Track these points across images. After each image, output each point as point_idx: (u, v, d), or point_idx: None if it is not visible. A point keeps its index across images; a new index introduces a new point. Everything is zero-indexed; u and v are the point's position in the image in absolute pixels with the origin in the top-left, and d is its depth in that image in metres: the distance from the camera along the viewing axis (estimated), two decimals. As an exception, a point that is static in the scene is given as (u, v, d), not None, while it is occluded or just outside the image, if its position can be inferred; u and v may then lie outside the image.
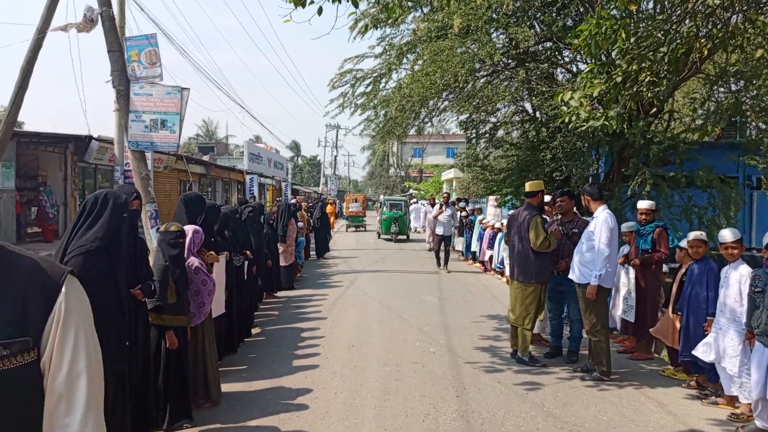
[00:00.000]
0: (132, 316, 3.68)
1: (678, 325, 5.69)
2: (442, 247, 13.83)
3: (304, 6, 4.25)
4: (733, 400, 4.91)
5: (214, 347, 5.10)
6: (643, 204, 6.66)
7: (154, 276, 4.04)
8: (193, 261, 4.68)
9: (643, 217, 6.53)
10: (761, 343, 4.27)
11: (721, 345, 4.83)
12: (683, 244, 5.91)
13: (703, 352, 4.97)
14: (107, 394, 3.15)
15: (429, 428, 4.49)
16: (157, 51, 9.32)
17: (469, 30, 8.57)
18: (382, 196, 33.37)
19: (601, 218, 5.67)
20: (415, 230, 25.38)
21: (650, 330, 6.23)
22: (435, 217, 13.99)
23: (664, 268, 6.60)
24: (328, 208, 21.15)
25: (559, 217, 6.71)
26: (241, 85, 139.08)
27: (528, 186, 6.57)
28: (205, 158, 31.34)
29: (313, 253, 16.64)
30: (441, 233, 13.76)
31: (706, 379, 5.30)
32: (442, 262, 13.83)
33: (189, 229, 4.74)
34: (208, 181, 26.62)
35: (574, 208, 6.71)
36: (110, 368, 2.97)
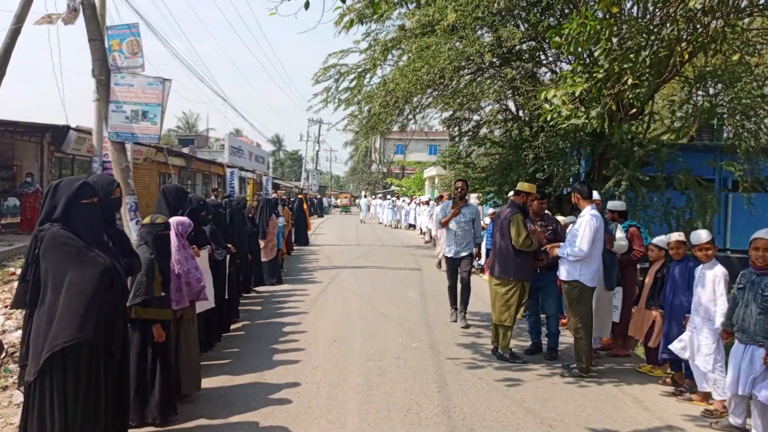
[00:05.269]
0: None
1: (654, 320, 5.79)
2: (459, 277, 7.76)
3: (290, -1, 4.22)
4: (707, 397, 5.02)
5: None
6: (609, 204, 6.87)
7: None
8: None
9: (609, 216, 6.68)
10: (738, 339, 4.36)
11: (695, 343, 4.94)
12: (656, 241, 6.04)
13: (680, 348, 5.07)
14: (87, 391, 3.15)
15: (411, 423, 4.51)
16: (139, 41, 9.16)
17: (455, 27, 8.61)
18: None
19: (586, 219, 5.75)
20: (421, 233, 20.87)
21: (629, 332, 6.33)
22: (444, 224, 7.86)
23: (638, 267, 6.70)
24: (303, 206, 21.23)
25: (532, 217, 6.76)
26: (224, 78, 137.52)
27: (519, 184, 6.59)
28: (185, 150, 30.96)
29: (297, 247, 17.13)
30: (452, 254, 7.74)
31: (682, 376, 5.42)
32: (458, 304, 7.78)
33: (173, 220, 4.71)
34: (188, 173, 26.33)
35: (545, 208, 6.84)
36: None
